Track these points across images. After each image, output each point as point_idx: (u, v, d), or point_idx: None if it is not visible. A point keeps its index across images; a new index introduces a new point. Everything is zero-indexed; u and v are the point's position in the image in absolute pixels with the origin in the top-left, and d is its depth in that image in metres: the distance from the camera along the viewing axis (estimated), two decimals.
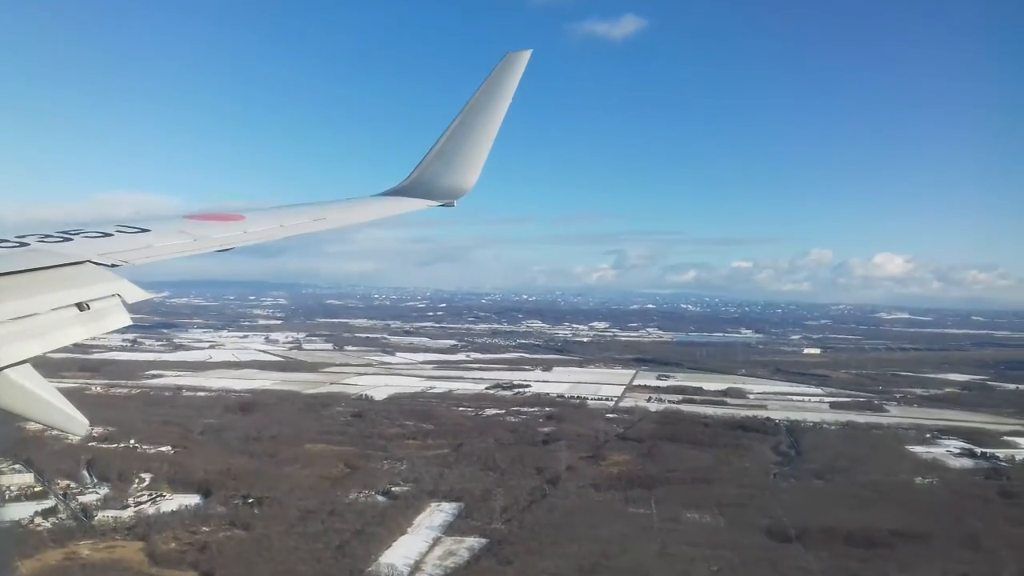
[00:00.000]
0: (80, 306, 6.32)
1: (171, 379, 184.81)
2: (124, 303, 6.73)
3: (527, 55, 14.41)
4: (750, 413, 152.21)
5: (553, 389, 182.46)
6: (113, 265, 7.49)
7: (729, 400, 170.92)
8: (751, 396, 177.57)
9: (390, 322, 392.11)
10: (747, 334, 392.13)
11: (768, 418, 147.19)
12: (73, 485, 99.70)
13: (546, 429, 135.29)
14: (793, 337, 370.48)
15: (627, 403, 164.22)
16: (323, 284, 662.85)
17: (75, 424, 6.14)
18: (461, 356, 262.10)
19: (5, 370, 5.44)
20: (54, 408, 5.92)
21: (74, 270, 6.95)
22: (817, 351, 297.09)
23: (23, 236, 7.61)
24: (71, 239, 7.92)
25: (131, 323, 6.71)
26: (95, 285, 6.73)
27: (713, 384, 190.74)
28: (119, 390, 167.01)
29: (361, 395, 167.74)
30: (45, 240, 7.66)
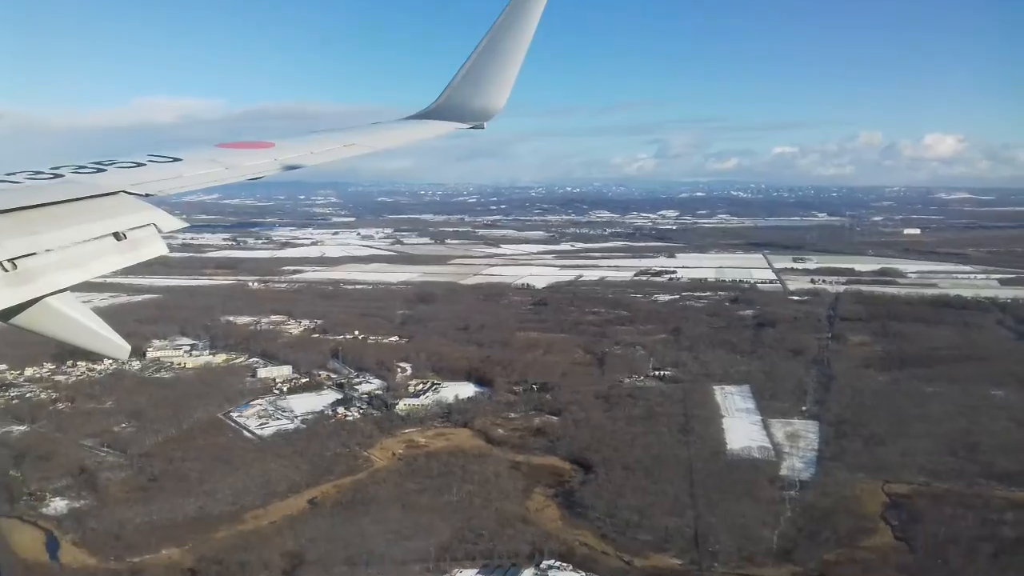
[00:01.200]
0: (117, 236, 6.27)
1: (313, 274, 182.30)
2: (159, 231, 6.65)
3: None
4: (936, 292, 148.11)
5: (700, 274, 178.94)
6: (147, 195, 7.34)
7: (897, 280, 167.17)
8: (911, 276, 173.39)
9: (462, 216, 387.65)
10: (823, 217, 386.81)
11: (959, 295, 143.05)
12: (333, 376, 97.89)
13: (747, 312, 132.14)
14: (875, 219, 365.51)
15: (796, 286, 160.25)
16: (364, 182, 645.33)
17: (116, 348, 6.02)
18: (566, 246, 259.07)
19: (46, 298, 5.46)
20: (95, 333, 5.87)
21: (109, 200, 6.87)
22: (917, 231, 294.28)
23: (57, 167, 7.51)
24: (104, 170, 7.77)
25: (167, 252, 6.67)
26: (130, 215, 6.68)
27: (859, 265, 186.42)
28: (277, 286, 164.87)
29: (521, 284, 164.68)
30: (79, 171, 7.54)
